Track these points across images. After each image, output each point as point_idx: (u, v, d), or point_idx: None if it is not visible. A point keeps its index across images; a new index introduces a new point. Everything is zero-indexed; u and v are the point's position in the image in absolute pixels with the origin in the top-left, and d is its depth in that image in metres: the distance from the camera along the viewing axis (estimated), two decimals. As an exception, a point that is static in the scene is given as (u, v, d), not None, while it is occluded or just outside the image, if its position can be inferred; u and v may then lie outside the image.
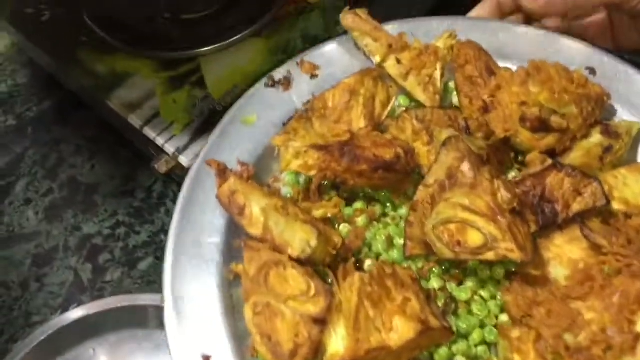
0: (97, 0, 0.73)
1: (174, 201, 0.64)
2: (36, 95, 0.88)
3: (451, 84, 0.69)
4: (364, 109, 0.65)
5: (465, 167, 0.56)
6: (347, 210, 0.62)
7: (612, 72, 0.67)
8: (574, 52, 0.69)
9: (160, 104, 0.74)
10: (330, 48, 0.70)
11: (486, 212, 0.54)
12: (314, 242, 0.55)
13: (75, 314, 0.67)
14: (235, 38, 0.75)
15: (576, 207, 0.57)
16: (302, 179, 0.64)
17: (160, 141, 0.72)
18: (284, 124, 0.66)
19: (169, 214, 0.76)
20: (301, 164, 0.59)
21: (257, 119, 0.66)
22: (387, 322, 0.52)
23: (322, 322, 0.52)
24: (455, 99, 0.68)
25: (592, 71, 0.67)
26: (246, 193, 0.59)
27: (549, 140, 0.60)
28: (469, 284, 0.58)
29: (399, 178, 0.61)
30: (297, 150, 0.59)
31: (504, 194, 0.55)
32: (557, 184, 0.57)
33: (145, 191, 0.80)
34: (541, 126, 0.60)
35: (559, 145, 0.61)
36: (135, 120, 0.74)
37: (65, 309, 0.73)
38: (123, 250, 0.76)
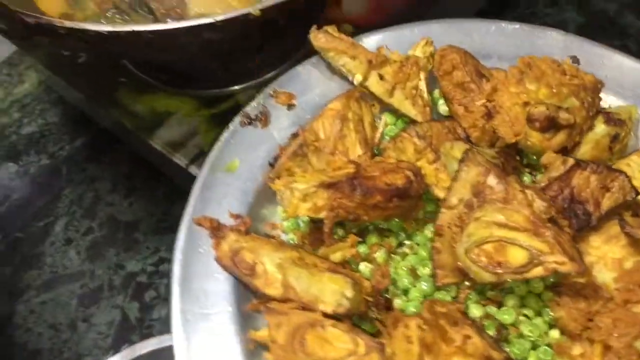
0: (143, 54, 0.68)
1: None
2: (68, 134, 0.87)
3: (435, 93, 0.65)
4: (356, 134, 0.59)
5: (493, 181, 0.52)
6: (362, 248, 0.56)
7: (595, 58, 0.65)
8: (551, 42, 0.66)
9: (204, 142, 0.71)
10: (302, 73, 0.64)
11: (527, 226, 0.50)
12: (350, 293, 0.49)
13: (128, 354, 0.63)
14: (271, 74, 0.73)
15: (606, 203, 0.53)
16: (302, 222, 0.58)
17: None
18: (271, 164, 0.60)
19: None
20: (310, 206, 0.52)
21: (239, 163, 0.59)
22: (446, 366, 0.47)
23: (378, 381, 0.46)
24: (442, 109, 0.64)
25: (576, 60, 0.65)
26: (253, 249, 0.52)
27: (560, 138, 0.57)
28: (510, 303, 0.54)
29: (411, 203, 0.56)
30: (305, 192, 0.52)
31: (539, 204, 0.51)
32: (583, 183, 0.54)
33: None
34: (550, 124, 0.56)
35: (569, 141, 0.58)
36: (180, 159, 0.71)
37: (115, 348, 0.71)
38: (168, 287, 0.73)
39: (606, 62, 0.65)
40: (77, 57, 0.64)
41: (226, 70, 0.73)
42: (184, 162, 0.70)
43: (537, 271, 0.49)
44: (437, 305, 0.48)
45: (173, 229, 0.76)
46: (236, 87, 0.74)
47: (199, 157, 0.70)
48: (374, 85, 0.62)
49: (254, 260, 0.52)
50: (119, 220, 0.79)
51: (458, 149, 0.55)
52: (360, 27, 0.66)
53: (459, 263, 0.52)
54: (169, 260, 0.74)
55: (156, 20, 0.65)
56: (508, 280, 0.50)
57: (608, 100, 0.63)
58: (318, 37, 0.62)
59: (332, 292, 0.49)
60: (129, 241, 0.78)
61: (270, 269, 0.51)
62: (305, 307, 0.49)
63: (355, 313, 0.50)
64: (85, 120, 0.85)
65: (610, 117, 0.60)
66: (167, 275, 0.73)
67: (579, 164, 0.54)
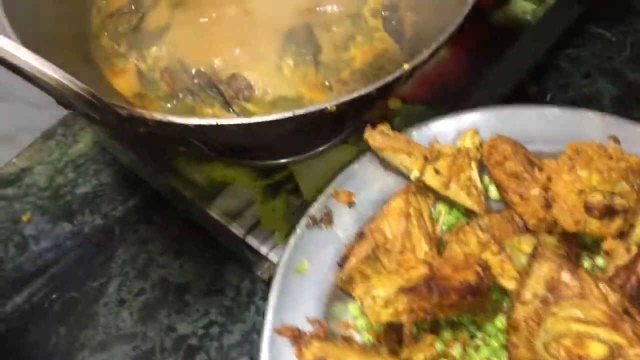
0: (219, 139, 0.73)
1: (263, 299, 0.72)
2: (121, 194, 0.87)
3: (484, 180, 0.67)
4: (419, 230, 0.61)
5: (566, 277, 0.54)
6: (438, 344, 0.58)
7: (634, 137, 0.67)
8: (588, 122, 0.69)
9: (260, 212, 0.73)
10: (358, 170, 0.66)
11: (605, 320, 0.52)
12: (443, 399, 0.50)
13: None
14: (323, 147, 0.75)
15: (672, 288, 0.56)
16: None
17: (264, 250, 0.71)
18: (339, 265, 0.61)
19: (259, 312, 0.76)
20: (392, 312, 0.54)
21: (308, 265, 0.61)
22: None
23: None
24: (492, 195, 0.67)
25: (616, 140, 0.68)
26: (339, 357, 0.54)
27: (617, 223, 0.60)
28: (587, 390, 0.56)
29: (482, 298, 0.58)
30: (386, 299, 0.54)
31: (613, 297, 0.53)
32: (648, 269, 0.56)
33: (234, 289, 0.79)
34: (607, 211, 0.59)
35: (625, 226, 0.60)
36: (238, 229, 0.72)
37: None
38: (218, 350, 0.74)
39: (644, 140, 0.68)
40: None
41: (283, 145, 0.75)
42: (242, 232, 0.72)
43: (618, 363, 0.51)
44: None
45: (223, 292, 0.79)
46: (289, 159, 0.76)
47: (256, 226, 0.72)
48: (431, 179, 0.64)
49: (341, 369, 0.53)
50: (170, 282, 0.80)
51: (526, 243, 0.57)
52: (406, 102, 0.69)
53: (537, 357, 0.54)
54: (218, 324, 0.76)
55: (225, 101, 0.67)
56: (589, 372, 0.52)
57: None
58: (374, 138, 0.64)
59: (425, 399, 0.50)
60: (180, 303, 0.78)
61: (363, 377, 0.52)
62: (399, 415, 0.51)
63: (448, 417, 0.51)
64: (138, 181, 0.87)
65: (659, 198, 0.62)
66: (217, 338, 0.76)
67: (642, 251, 0.57)
